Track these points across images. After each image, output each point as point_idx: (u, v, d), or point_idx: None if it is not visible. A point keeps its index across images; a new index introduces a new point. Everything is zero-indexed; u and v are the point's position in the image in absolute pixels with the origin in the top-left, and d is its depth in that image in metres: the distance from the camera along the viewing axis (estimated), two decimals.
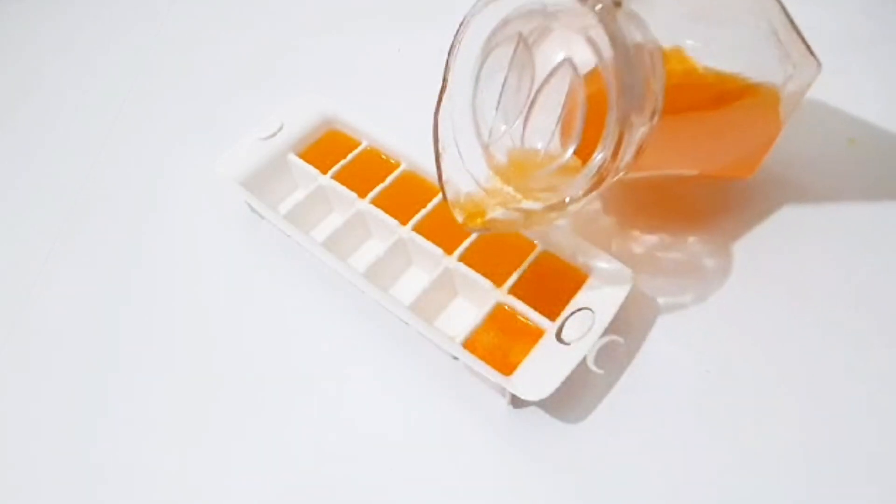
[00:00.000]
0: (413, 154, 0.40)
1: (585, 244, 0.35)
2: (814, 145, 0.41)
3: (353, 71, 0.50)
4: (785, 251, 0.38)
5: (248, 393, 0.36)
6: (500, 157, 0.32)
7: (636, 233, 0.39)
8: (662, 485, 0.31)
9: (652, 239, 0.39)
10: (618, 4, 0.26)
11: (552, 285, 0.34)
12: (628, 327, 0.35)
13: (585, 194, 0.27)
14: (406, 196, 0.38)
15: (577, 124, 0.28)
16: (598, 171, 0.27)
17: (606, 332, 0.33)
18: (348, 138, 0.42)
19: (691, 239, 0.38)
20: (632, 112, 0.25)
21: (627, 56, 0.25)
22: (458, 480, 0.32)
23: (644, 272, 0.37)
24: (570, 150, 0.29)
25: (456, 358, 0.33)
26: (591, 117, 0.27)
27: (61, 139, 0.50)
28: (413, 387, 0.35)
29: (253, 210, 0.42)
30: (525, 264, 0.35)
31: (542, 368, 0.32)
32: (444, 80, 0.30)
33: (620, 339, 0.35)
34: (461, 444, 0.33)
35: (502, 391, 0.33)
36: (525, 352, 0.33)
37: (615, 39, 0.25)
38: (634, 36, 0.26)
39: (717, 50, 0.31)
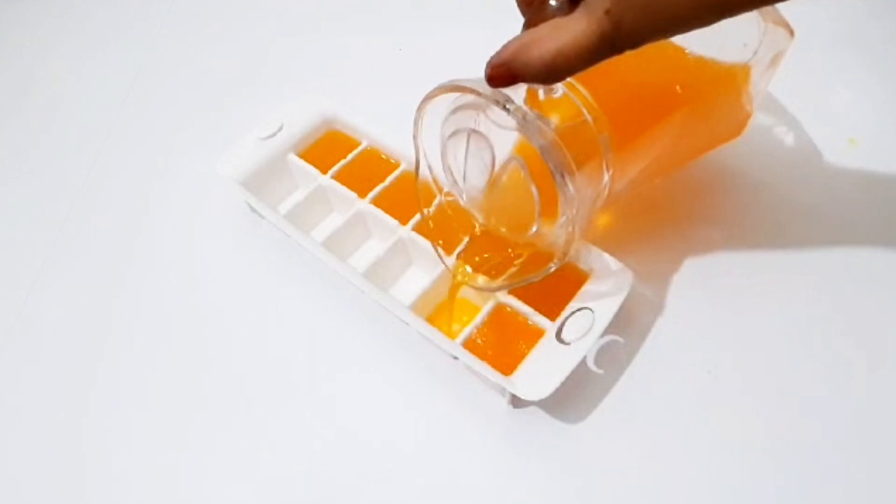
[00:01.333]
0: (413, 154, 0.39)
1: (585, 244, 0.35)
2: (814, 145, 0.41)
3: (353, 71, 0.50)
4: (785, 251, 0.38)
5: (247, 391, 0.36)
6: (479, 217, 0.35)
7: (636, 233, 0.39)
8: (662, 484, 0.31)
9: (652, 239, 0.39)
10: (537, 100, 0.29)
11: (552, 285, 0.34)
12: (628, 327, 0.35)
13: (567, 247, 0.30)
14: (406, 196, 0.38)
15: (536, 208, 0.31)
16: (568, 225, 0.29)
17: (606, 332, 0.33)
18: (348, 138, 0.42)
19: (691, 240, 0.38)
20: (566, 189, 0.27)
21: (547, 149, 0.27)
22: (458, 480, 0.32)
23: (644, 272, 0.37)
24: (534, 228, 0.32)
25: (456, 358, 0.33)
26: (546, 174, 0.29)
27: (61, 139, 0.50)
28: (413, 387, 0.35)
29: (253, 210, 0.42)
30: None
31: (542, 368, 0.32)
32: (416, 147, 0.33)
33: (620, 339, 0.35)
34: (461, 444, 0.33)
35: (502, 391, 0.33)
36: (525, 352, 0.33)
37: (532, 139, 0.27)
38: (552, 120, 0.29)
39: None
